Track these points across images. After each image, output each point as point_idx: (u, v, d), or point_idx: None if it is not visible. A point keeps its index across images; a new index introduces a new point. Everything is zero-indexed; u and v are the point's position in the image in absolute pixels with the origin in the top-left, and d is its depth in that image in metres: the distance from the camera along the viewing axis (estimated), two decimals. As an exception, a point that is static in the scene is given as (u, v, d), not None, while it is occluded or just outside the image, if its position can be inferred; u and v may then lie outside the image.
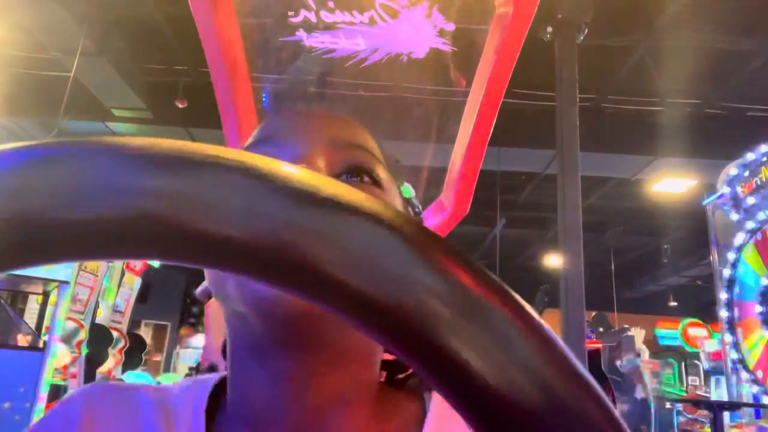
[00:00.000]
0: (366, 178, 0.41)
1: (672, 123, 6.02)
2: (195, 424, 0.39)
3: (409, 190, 0.50)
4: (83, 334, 5.56)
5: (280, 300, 0.32)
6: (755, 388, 4.20)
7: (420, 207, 0.52)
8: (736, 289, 4.47)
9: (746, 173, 4.47)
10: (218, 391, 0.42)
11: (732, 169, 4.59)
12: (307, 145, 0.40)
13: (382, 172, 0.42)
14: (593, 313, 10.09)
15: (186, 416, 0.40)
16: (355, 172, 0.40)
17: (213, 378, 0.43)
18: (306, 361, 0.35)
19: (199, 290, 0.46)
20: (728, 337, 4.48)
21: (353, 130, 0.43)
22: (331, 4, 1.47)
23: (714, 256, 5.03)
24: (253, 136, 0.44)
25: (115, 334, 6.42)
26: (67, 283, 4.27)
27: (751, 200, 4.40)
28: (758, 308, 4.20)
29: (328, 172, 0.39)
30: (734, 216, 4.53)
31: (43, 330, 4.37)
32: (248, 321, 0.35)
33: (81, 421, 0.39)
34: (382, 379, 0.45)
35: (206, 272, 0.40)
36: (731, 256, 4.48)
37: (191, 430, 0.39)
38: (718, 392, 7.48)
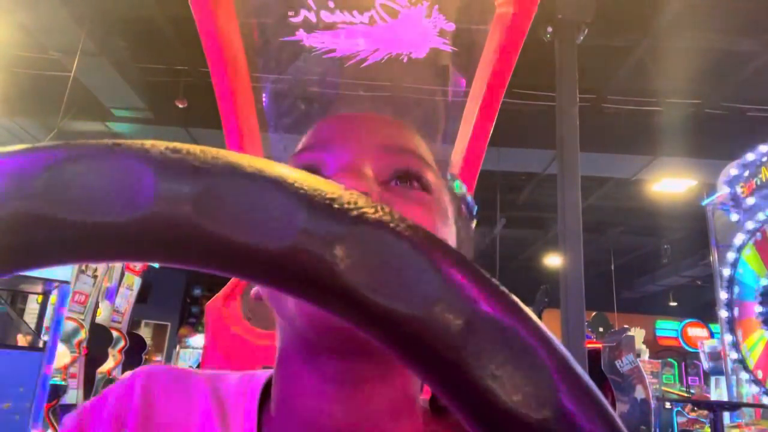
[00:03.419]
0: (415, 184, 0.41)
1: (672, 123, 6.02)
2: (247, 417, 0.41)
3: (461, 186, 0.51)
4: (83, 334, 5.56)
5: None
6: (755, 388, 4.20)
7: (473, 203, 0.53)
8: (736, 289, 4.47)
9: (746, 173, 4.47)
10: (268, 387, 0.43)
11: (732, 170, 4.59)
12: (354, 151, 0.40)
13: (431, 176, 0.42)
14: (593, 313, 10.10)
15: (238, 409, 0.41)
16: (404, 178, 0.41)
17: (263, 374, 0.45)
18: (355, 368, 0.37)
19: (252, 291, 0.48)
20: (728, 337, 4.48)
21: (401, 134, 0.43)
22: (331, 4, 1.47)
23: (714, 256, 5.03)
24: (303, 141, 0.44)
25: (115, 334, 6.43)
26: (67, 283, 4.27)
27: (751, 200, 4.40)
28: (758, 308, 4.20)
29: (376, 178, 0.40)
30: (734, 216, 4.53)
31: (43, 330, 4.37)
32: (302, 332, 0.37)
33: (139, 398, 0.41)
34: (426, 402, 0.45)
35: (262, 288, 0.42)
36: (731, 255, 4.48)
37: (243, 422, 0.40)
38: (718, 392, 7.49)
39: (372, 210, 0.16)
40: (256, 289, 0.46)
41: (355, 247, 0.16)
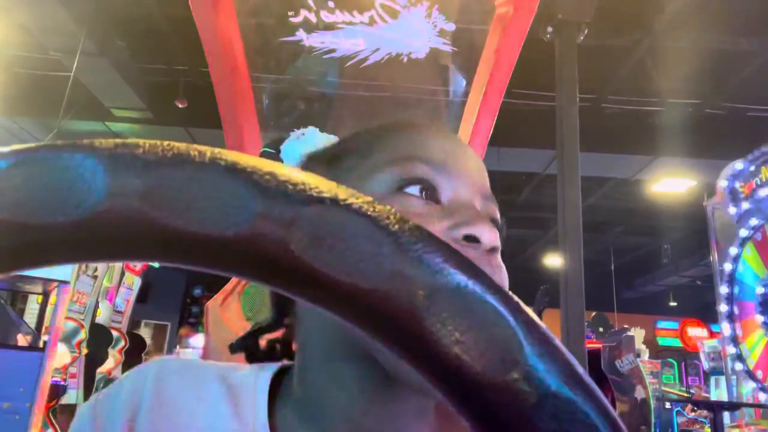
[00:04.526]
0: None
1: (672, 123, 6.02)
2: (258, 405, 0.41)
3: None
4: (83, 334, 5.56)
5: None
6: (752, 383, 4.20)
7: None
8: (736, 289, 4.47)
9: (746, 173, 4.47)
10: (277, 378, 0.44)
11: (731, 170, 4.59)
12: (467, 187, 0.41)
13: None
14: (593, 313, 10.09)
15: (250, 397, 0.42)
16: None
17: (273, 365, 0.45)
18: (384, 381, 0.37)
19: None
20: (727, 330, 4.48)
21: (487, 176, 0.45)
22: (331, 4, 1.47)
23: (714, 256, 5.02)
24: (405, 142, 0.42)
25: (115, 334, 6.42)
26: (67, 283, 4.27)
27: (751, 200, 4.40)
28: (758, 308, 4.20)
29: None
30: (732, 210, 4.52)
31: (43, 330, 4.37)
32: (366, 347, 0.36)
33: (152, 388, 0.41)
34: None
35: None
36: (733, 250, 4.48)
37: (254, 409, 0.41)
38: (718, 392, 7.48)
39: (327, 188, 0.17)
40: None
41: (311, 226, 0.16)
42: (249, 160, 0.17)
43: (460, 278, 0.16)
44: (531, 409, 0.15)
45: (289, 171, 0.17)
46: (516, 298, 0.17)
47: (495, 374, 0.15)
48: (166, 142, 0.17)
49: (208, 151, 0.17)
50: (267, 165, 0.17)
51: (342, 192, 0.17)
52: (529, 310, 0.17)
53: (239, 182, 0.16)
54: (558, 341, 0.16)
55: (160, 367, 0.43)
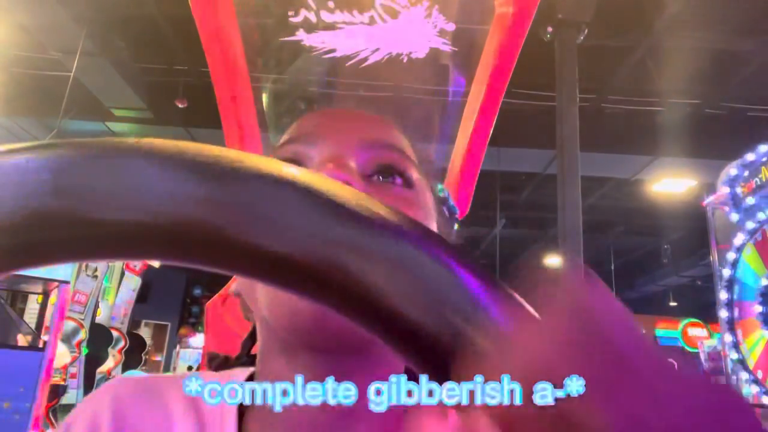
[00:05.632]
0: (398, 179, 0.41)
1: (672, 123, 6.02)
2: (225, 418, 0.39)
3: (444, 190, 0.50)
4: (83, 334, 5.56)
5: (301, 311, 0.33)
6: (755, 388, 4.20)
7: (455, 207, 0.52)
8: (736, 289, 4.46)
9: (746, 173, 4.47)
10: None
11: (732, 170, 4.58)
12: (338, 144, 0.40)
13: (414, 172, 0.42)
14: (593, 313, 10.06)
15: (217, 409, 0.40)
16: (387, 173, 0.41)
17: (242, 373, 0.44)
18: (333, 362, 0.36)
19: (232, 287, 0.47)
20: (728, 337, 4.47)
21: (384, 129, 0.44)
22: (331, 4, 1.47)
23: (714, 256, 5.02)
24: (286, 134, 0.44)
25: (115, 334, 6.43)
26: (67, 283, 4.27)
27: (751, 200, 4.40)
28: (758, 308, 4.19)
29: (360, 171, 0.39)
30: (734, 216, 4.52)
31: (43, 330, 4.37)
32: (276, 329, 0.36)
33: (110, 414, 0.39)
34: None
35: (240, 286, 0.42)
36: (731, 255, 4.47)
37: (221, 423, 0.39)
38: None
39: (249, 161, 0.17)
40: (235, 285, 0.45)
41: (241, 201, 0.16)
42: (176, 145, 0.17)
43: (389, 232, 0.17)
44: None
45: (219, 150, 0.17)
46: (438, 237, 0.18)
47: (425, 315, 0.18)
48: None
49: (134, 141, 0.17)
50: (195, 147, 0.17)
51: (268, 164, 0.17)
52: (446, 243, 0.18)
53: (169, 167, 0.16)
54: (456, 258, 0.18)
55: (117, 389, 0.41)
